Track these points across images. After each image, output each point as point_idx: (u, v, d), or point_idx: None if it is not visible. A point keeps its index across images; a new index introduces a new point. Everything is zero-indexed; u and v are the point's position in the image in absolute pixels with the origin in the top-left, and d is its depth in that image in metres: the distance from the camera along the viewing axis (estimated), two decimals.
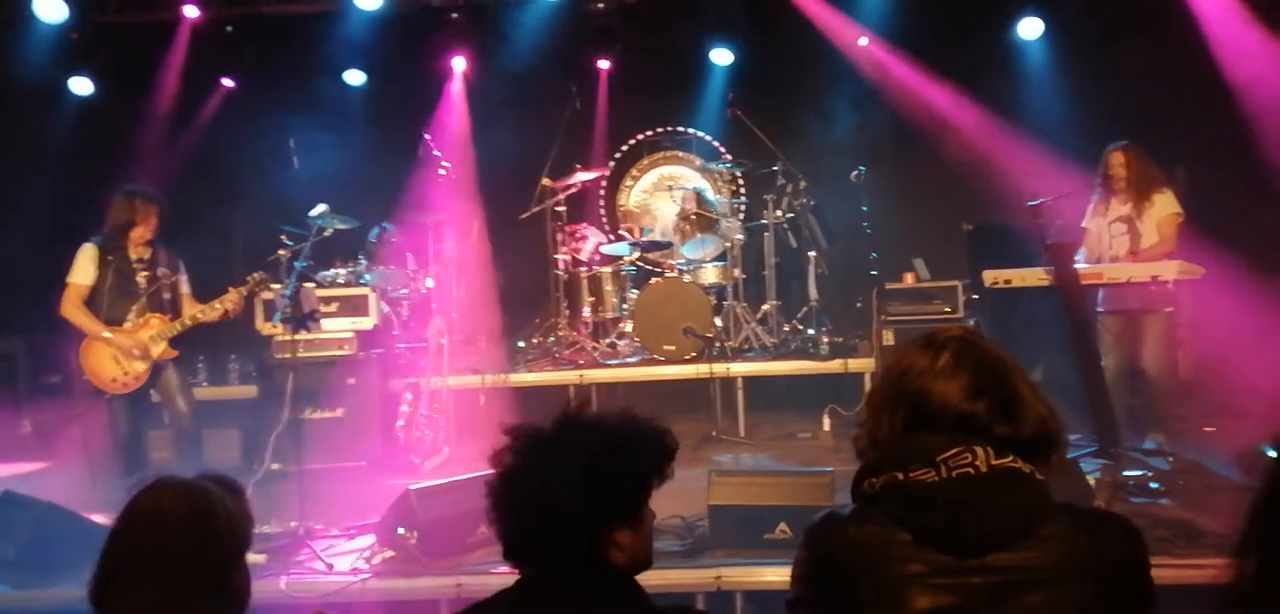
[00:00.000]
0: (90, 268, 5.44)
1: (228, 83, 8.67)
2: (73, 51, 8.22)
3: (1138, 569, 1.65)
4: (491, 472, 1.85)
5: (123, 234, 5.50)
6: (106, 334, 5.40)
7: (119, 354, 5.42)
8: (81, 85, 8.48)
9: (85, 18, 8.05)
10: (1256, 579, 1.29)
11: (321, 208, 5.94)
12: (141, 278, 5.53)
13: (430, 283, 7.74)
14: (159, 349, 5.50)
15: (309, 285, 5.78)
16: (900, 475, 1.63)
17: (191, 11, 8.15)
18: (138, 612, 1.73)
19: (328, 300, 6.77)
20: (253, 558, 4.33)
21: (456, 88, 8.95)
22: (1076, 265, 5.47)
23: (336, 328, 6.70)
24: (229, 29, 8.41)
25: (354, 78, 8.86)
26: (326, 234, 6.19)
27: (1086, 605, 1.57)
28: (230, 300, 5.55)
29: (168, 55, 8.34)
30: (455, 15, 8.45)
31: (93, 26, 8.16)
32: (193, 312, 5.60)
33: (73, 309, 5.42)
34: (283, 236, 6.88)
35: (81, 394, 5.69)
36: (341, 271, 7.26)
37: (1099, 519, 1.70)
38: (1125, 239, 5.67)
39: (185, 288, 5.75)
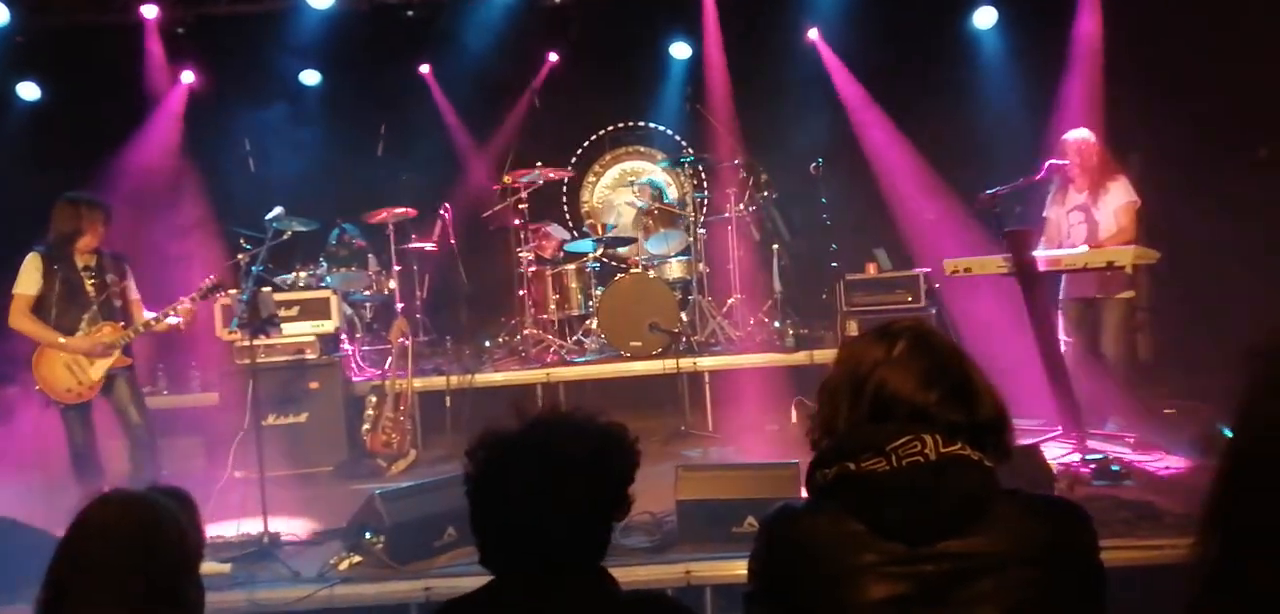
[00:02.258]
0: (36, 277, 5.31)
1: (188, 78, 8.51)
2: (18, 55, 8.04)
3: (1087, 554, 1.66)
4: (470, 479, 1.82)
5: (68, 242, 5.37)
6: (61, 340, 5.29)
7: (72, 363, 5.31)
8: (28, 90, 8.30)
9: (30, 21, 7.87)
10: (1220, 559, 1.30)
11: (278, 210, 5.86)
12: (90, 286, 5.41)
13: (393, 284, 7.68)
14: (112, 357, 5.39)
15: (266, 290, 5.70)
16: (851, 466, 1.64)
17: (150, 11, 7.98)
18: None
19: (288, 304, 6.69)
20: (218, 567, 4.32)
21: (424, 87, 8.90)
22: (1035, 253, 5.53)
23: (298, 332, 6.63)
24: (180, 31, 8.26)
25: (310, 78, 8.76)
26: (284, 237, 6.11)
27: (1037, 591, 1.59)
28: (183, 307, 5.45)
29: (117, 58, 8.18)
30: (411, 13, 8.37)
31: (38, 30, 7.98)
32: (146, 318, 5.50)
33: (21, 319, 5.30)
34: (240, 241, 6.78)
35: (36, 405, 5.57)
36: (301, 274, 7.17)
37: (1048, 505, 1.71)
38: (1083, 228, 5.74)
39: (134, 294, 5.64)
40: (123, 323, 5.46)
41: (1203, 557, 1.29)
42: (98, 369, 5.37)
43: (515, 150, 8.17)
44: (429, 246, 8.03)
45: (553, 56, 8.86)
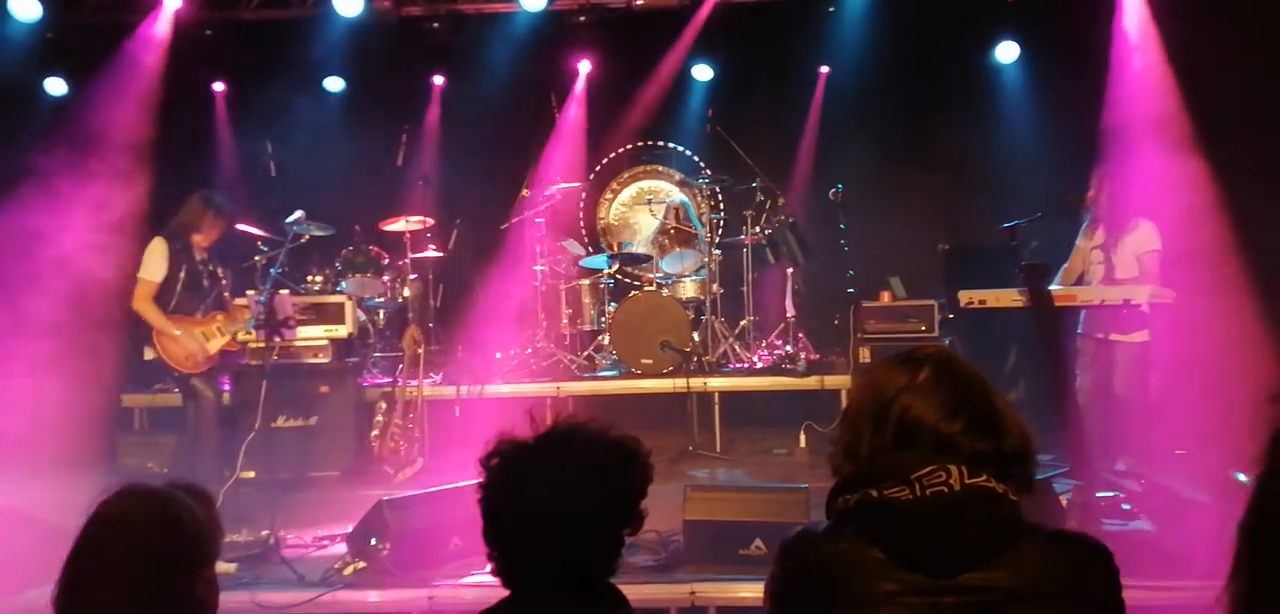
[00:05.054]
0: (162, 263, 5.57)
1: (219, 87, 8.61)
2: (48, 52, 8.12)
3: (1109, 590, 1.65)
4: (484, 487, 1.82)
5: (186, 234, 5.67)
6: (176, 332, 5.55)
7: (189, 337, 5.64)
8: (55, 86, 8.38)
9: (60, 17, 7.95)
10: (1248, 601, 1.30)
11: (298, 214, 5.92)
12: (206, 279, 5.76)
13: (407, 292, 7.71)
14: (227, 337, 5.74)
15: (284, 292, 5.76)
16: (874, 493, 1.63)
17: (175, 2, 8.04)
18: None
19: (303, 308, 6.71)
20: (222, 567, 4.31)
21: (436, 98, 8.94)
22: (1052, 287, 5.50)
23: (311, 335, 6.64)
24: (208, 33, 8.33)
25: (333, 85, 8.82)
26: (303, 241, 6.15)
27: None
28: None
29: (144, 58, 8.23)
30: (436, 25, 8.42)
31: (68, 26, 8.06)
32: (244, 319, 5.78)
33: (145, 304, 5.55)
34: (259, 243, 6.82)
35: (52, 395, 5.75)
36: (318, 279, 7.20)
37: (1070, 539, 1.69)
38: (1101, 267, 5.70)
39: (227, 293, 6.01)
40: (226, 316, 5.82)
41: (1233, 600, 1.29)
42: (215, 344, 5.70)
43: (534, 164, 8.20)
44: (443, 255, 8.06)
45: (577, 71, 8.89)
